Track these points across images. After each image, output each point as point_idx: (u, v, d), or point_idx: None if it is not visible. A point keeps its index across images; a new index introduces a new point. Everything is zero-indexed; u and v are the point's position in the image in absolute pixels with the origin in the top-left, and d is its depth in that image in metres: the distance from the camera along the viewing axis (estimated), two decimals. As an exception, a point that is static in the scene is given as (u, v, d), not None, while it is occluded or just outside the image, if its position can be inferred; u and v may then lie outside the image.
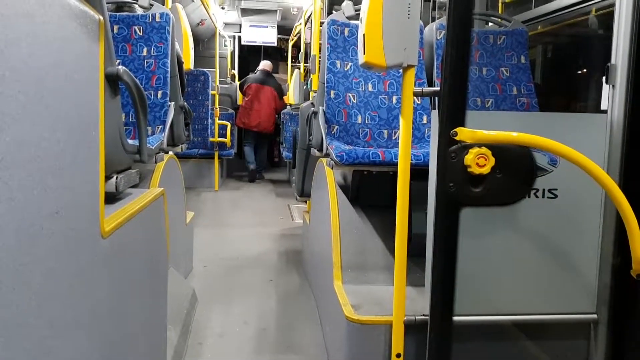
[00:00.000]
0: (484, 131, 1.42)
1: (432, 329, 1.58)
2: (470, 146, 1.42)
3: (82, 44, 1.09)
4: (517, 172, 1.48)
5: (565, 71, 4.24)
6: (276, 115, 8.34)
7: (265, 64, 8.39)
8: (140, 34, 2.97)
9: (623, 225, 1.44)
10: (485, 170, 1.41)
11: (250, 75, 8.48)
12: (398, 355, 1.79)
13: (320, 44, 3.64)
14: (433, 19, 5.22)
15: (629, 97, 1.76)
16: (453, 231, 1.52)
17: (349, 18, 3.08)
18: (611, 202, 1.77)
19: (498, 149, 1.42)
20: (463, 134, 1.44)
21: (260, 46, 10.19)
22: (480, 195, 1.46)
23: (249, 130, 8.23)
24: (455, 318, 1.81)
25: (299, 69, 6.71)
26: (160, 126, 2.81)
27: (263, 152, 8.64)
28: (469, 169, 1.42)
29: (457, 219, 1.51)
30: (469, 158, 1.41)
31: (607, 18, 3.35)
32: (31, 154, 0.82)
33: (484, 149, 1.40)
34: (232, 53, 10.20)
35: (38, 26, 0.86)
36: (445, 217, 1.52)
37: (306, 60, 6.37)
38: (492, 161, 1.41)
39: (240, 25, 9.71)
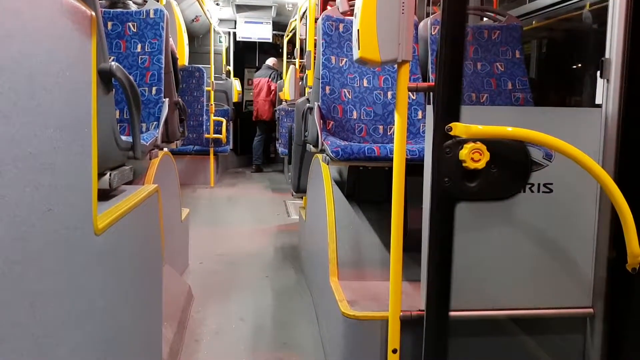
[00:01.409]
0: (479, 126, 1.42)
1: (427, 324, 1.58)
2: (465, 141, 1.42)
3: (74, 41, 1.09)
4: (512, 166, 1.48)
5: (560, 66, 4.24)
6: (273, 104, 8.80)
7: (268, 60, 9.14)
8: (134, 30, 2.95)
9: (618, 219, 1.44)
10: (480, 165, 1.41)
11: (256, 72, 9.46)
12: (394, 351, 1.79)
13: (315, 39, 3.63)
14: (427, 15, 5.21)
15: (623, 91, 1.76)
16: (448, 226, 1.52)
17: (344, 14, 3.07)
18: (606, 196, 1.77)
19: (493, 144, 1.42)
20: (458, 129, 1.43)
21: (256, 42, 10.17)
22: (475, 190, 1.46)
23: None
24: (451, 313, 1.82)
25: (295, 64, 6.69)
26: (155, 122, 2.80)
27: (260, 140, 9.08)
28: (463, 164, 1.41)
29: (452, 213, 1.51)
30: (464, 153, 1.41)
31: (601, 12, 3.35)
32: (23, 151, 0.82)
33: (478, 144, 1.40)
34: (227, 49, 10.18)
35: (29, 23, 0.86)
36: (440, 212, 1.52)
37: (301, 56, 6.35)
38: (487, 156, 1.41)
39: (235, 21, 9.68)
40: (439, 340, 1.56)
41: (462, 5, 1.45)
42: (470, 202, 1.60)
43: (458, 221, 1.69)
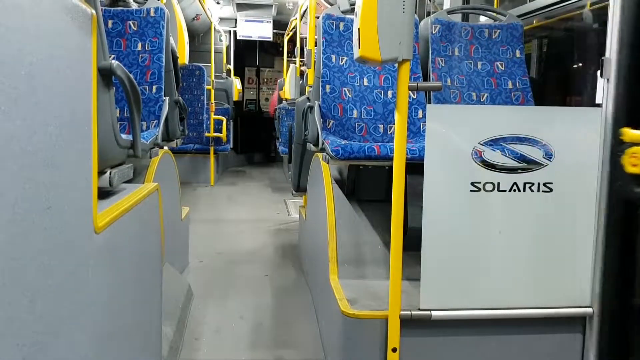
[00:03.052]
0: None
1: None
2: (628, 146, 1.38)
3: (75, 38, 1.09)
4: None
5: (561, 65, 4.24)
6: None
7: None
8: (135, 28, 2.95)
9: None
10: (638, 170, 1.37)
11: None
12: (394, 350, 1.79)
13: (315, 38, 3.63)
14: (428, 14, 5.21)
15: (623, 91, 1.75)
16: (625, 228, 1.48)
17: (344, 12, 3.07)
18: (607, 197, 1.77)
19: None
20: (627, 135, 1.40)
21: (256, 41, 10.16)
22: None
23: None
24: (450, 312, 1.82)
25: (295, 63, 6.69)
26: (155, 121, 2.80)
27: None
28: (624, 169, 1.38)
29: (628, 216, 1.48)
30: (624, 158, 1.37)
31: (601, 12, 3.35)
32: (22, 149, 0.82)
33: (635, 148, 1.36)
34: (228, 48, 10.18)
35: (29, 20, 0.86)
36: (613, 215, 1.49)
37: (302, 55, 6.35)
38: None
39: (236, 20, 9.68)
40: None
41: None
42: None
43: (457, 221, 1.69)
